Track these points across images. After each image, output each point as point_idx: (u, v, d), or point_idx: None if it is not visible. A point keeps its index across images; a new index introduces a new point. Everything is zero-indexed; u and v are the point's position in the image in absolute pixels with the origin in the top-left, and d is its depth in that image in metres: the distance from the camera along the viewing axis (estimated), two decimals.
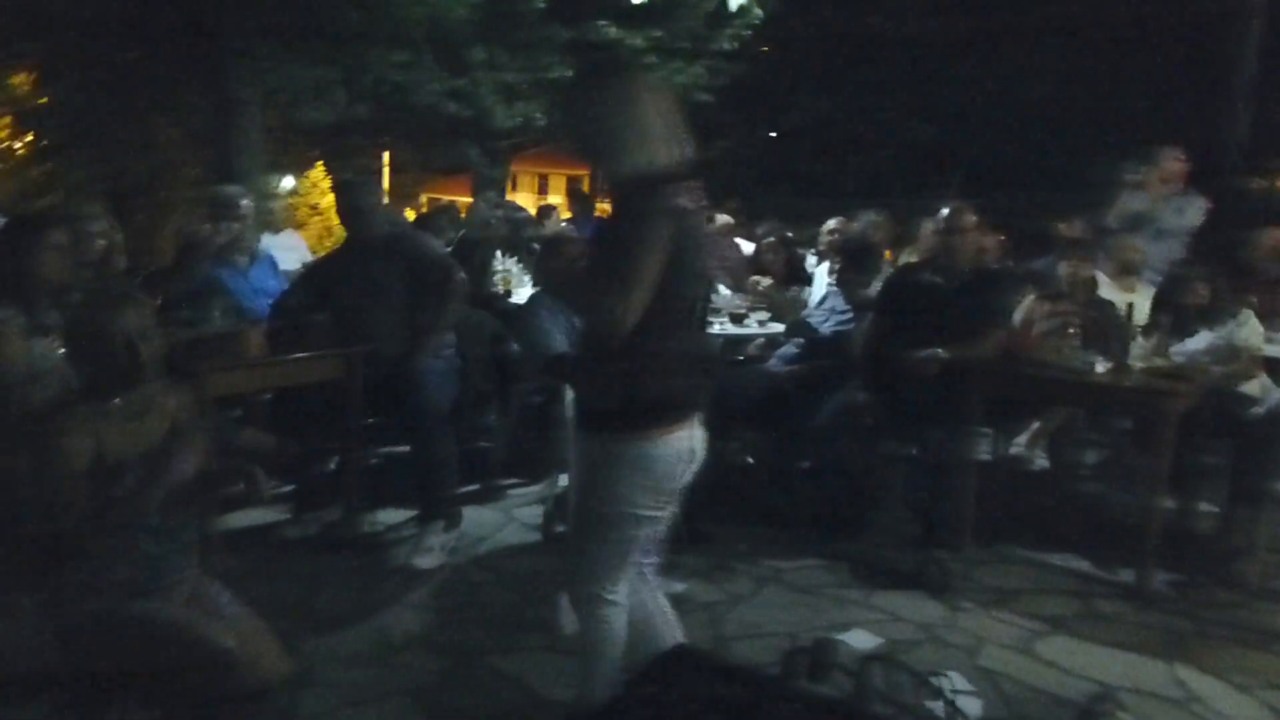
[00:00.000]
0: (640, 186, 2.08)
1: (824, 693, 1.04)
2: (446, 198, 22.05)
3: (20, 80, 11.33)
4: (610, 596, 2.34)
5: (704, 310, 2.47)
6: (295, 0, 7.95)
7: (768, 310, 5.43)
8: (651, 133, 2.10)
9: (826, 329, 4.68)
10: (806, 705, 1.03)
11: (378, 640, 3.27)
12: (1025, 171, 12.43)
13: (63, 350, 3.29)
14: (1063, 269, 4.74)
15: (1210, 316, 4.26)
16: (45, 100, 11.77)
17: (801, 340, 4.74)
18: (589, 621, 2.37)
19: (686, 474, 2.26)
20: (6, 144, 13.55)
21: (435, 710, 2.85)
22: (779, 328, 5.14)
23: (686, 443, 2.23)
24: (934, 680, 1.05)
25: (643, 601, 2.50)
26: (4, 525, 3.41)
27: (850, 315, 4.65)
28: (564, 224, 9.15)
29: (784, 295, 5.56)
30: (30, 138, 13.35)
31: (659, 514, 2.28)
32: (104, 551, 2.46)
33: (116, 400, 2.46)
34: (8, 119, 13.20)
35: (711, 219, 2.19)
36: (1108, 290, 4.85)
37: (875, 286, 4.70)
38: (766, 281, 5.76)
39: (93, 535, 2.41)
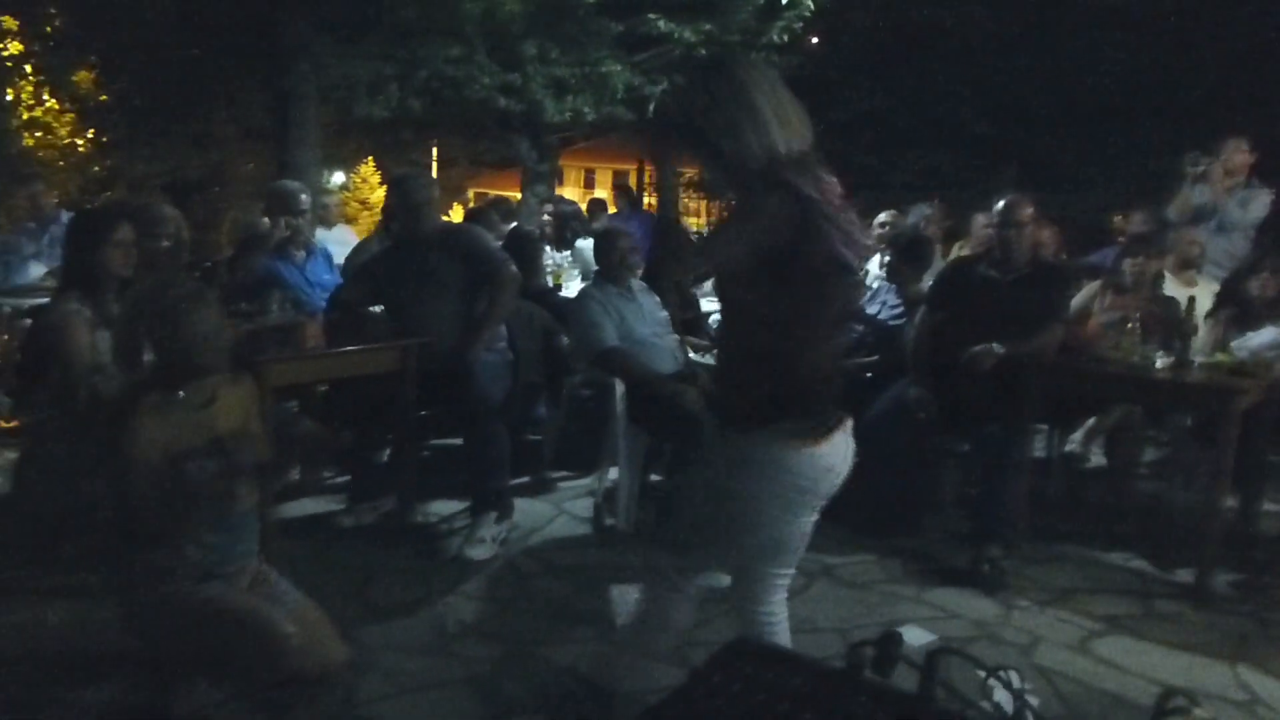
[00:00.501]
0: (756, 173, 2.01)
1: (889, 685, 1.04)
2: (494, 192, 22.21)
3: (83, 78, 11.61)
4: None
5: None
6: None
7: None
8: (768, 119, 2.02)
9: (877, 323, 4.65)
10: (872, 696, 1.03)
11: (432, 629, 3.31)
12: (1084, 164, 12.21)
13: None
14: (1127, 263, 4.66)
15: (1276, 310, 4.16)
16: (106, 98, 12.06)
17: (852, 335, 4.71)
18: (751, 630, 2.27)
19: (833, 480, 2.15)
20: (69, 140, 13.91)
21: (489, 698, 2.88)
22: None
23: (841, 447, 2.13)
24: (1002, 674, 1.04)
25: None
26: (73, 511, 3.53)
27: (901, 309, 4.61)
28: (610, 217, 9.18)
29: None
30: (91, 134, 13.69)
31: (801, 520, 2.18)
32: (172, 538, 2.53)
33: (183, 391, 2.52)
34: (71, 116, 13.54)
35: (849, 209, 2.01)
36: (1169, 284, 4.76)
37: (927, 280, 4.66)
38: None
39: (161, 522, 2.47)
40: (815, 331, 2.07)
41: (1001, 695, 1.05)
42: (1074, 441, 4.50)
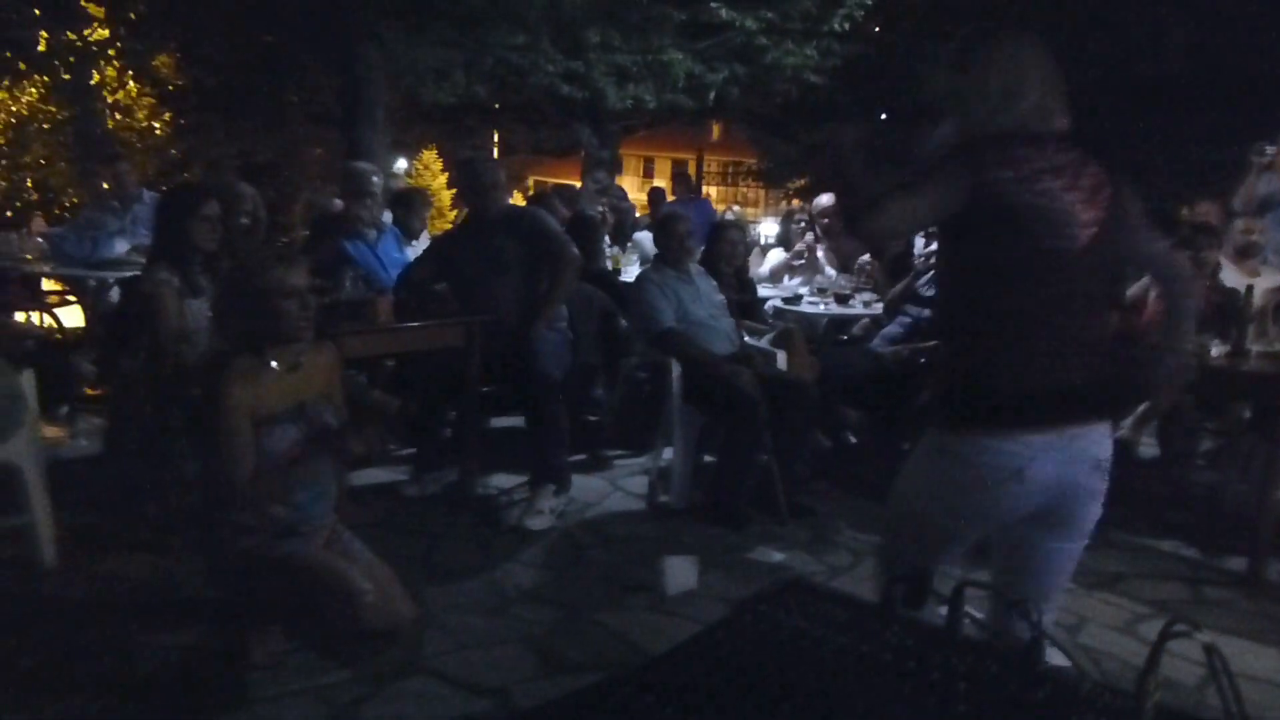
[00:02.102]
0: (966, 140, 1.96)
1: (921, 616, 1.14)
2: (554, 181, 22.37)
3: (161, 63, 12.02)
4: None
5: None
6: None
7: (873, 291, 5.46)
8: (1016, 91, 1.95)
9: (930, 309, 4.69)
10: (904, 626, 1.13)
11: (492, 592, 3.47)
12: (1148, 153, 11.98)
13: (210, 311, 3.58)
14: (1191, 253, 4.63)
15: None
16: (183, 83, 12.46)
17: (906, 320, 4.76)
18: None
19: (1016, 494, 1.93)
20: (147, 124, 14.39)
21: (545, 656, 3.02)
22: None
23: (1019, 454, 1.89)
24: (1023, 607, 1.14)
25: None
26: (158, 471, 3.74)
27: None
28: (669, 204, 9.29)
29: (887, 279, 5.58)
30: (168, 117, 14.15)
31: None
32: (257, 498, 2.69)
33: (272, 357, 2.68)
34: (149, 100, 14.01)
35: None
36: (1231, 274, 4.73)
37: None
38: (866, 257, 5.79)
39: (249, 481, 2.63)
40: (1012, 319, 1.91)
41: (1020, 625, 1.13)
42: (1124, 428, 4.50)
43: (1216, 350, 3.86)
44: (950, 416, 1.97)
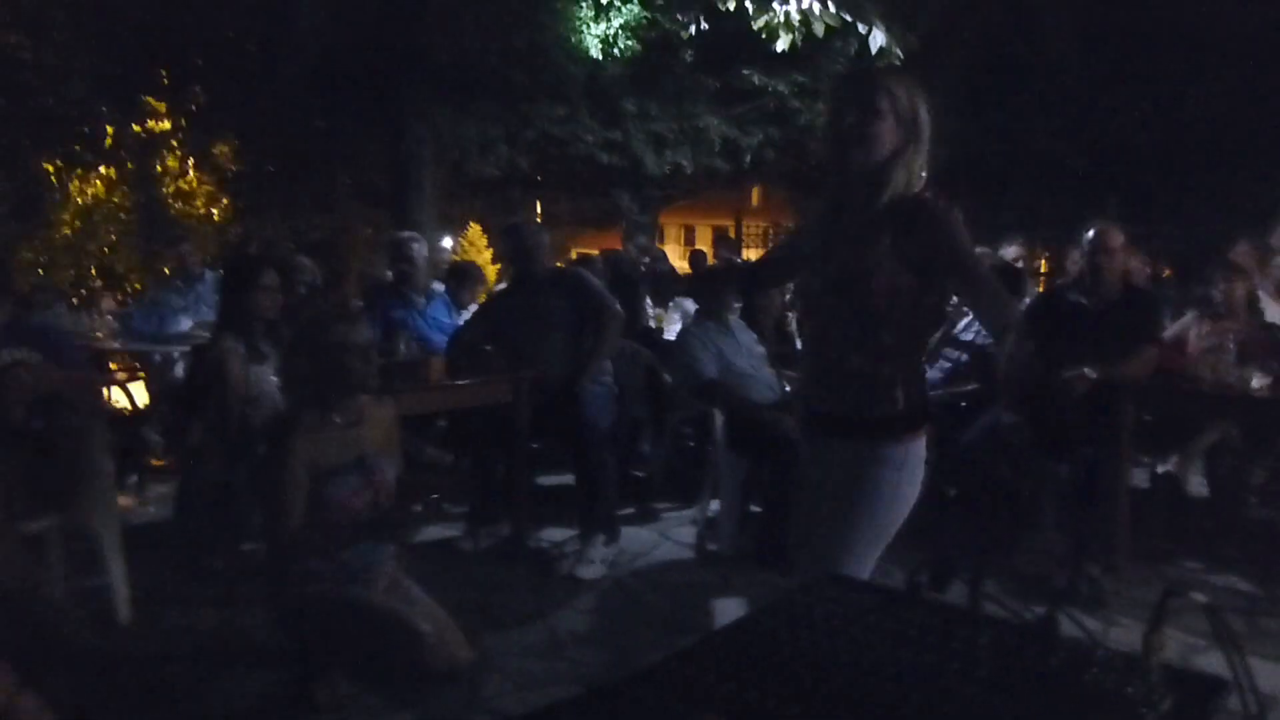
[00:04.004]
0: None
1: (944, 599, 1.24)
2: (595, 252, 22.67)
3: (221, 151, 12.58)
4: None
5: None
6: (468, 63, 8.64)
7: None
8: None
9: (970, 352, 4.76)
10: (929, 609, 1.22)
11: (547, 637, 3.56)
12: (1190, 197, 11.98)
13: (275, 376, 3.77)
14: (1221, 289, 4.68)
15: None
16: (238, 167, 13.01)
17: (946, 364, 4.83)
18: None
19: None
20: (204, 210, 15.00)
21: None
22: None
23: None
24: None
25: None
26: (226, 528, 3.91)
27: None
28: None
29: None
30: (225, 203, 14.74)
31: None
32: (325, 545, 2.82)
33: (335, 411, 2.84)
34: (208, 188, 14.63)
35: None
36: (1270, 308, 4.75)
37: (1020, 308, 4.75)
38: None
39: (315, 531, 2.77)
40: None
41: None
42: (1171, 463, 4.51)
43: (1258, 382, 3.88)
44: (905, 428, 2.18)
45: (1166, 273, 10.71)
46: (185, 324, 6.31)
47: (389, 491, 2.94)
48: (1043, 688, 1.05)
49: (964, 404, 4.63)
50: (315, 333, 2.83)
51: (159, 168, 12.15)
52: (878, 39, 6.44)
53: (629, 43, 9.67)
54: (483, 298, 6.08)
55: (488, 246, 25.81)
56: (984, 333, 4.78)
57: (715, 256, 10.83)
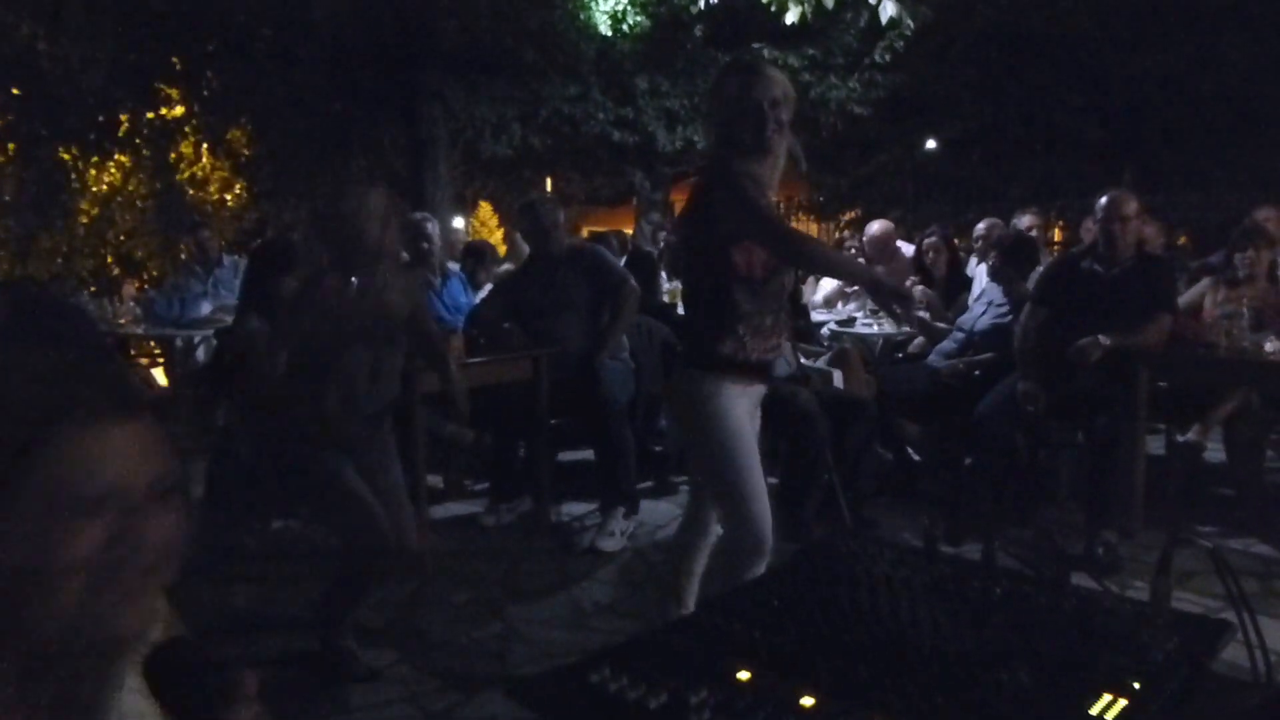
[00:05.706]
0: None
1: (959, 554, 1.29)
2: (609, 229, 22.66)
3: (236, 136, 12.65)
4: None
5: None
6: (481, 44, 8.66)
7: (926, 311, 5.55)
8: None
9: (984, 322, 4.78)
10: (945, 562, 1.27)
11: (571, 607, 3.63)
12: (1207, 166, 11.90)
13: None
14: (1238, 257, 4.67)
15: None
16: (251, 153, 13.07)
17: (960, 335, 4.86)
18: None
19: None
20: (219, 196, 15.08)
21: None
22: (939, 326, 5.26)
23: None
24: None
25: None
26: (256, 507, 3.99)
27: (1008, 308, 4.72)
28: None
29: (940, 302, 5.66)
30: (239, 188, 14.82)
31: None
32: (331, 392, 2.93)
33: (356, 278, 2.91)
34: (222, 174, 14.71)
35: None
36: None
37: (1032, 280, 4.76)
38: (921, 288, 5.88)
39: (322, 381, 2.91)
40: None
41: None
42: (1192, 430, 4.52)
43: (1272, 347, 3.89)
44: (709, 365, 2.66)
45: (1182, 239, 10.67)
46: (206, 308, 6.40)
47: (401, 349, 3.09)
48: (1055, 631, 1.10)
49: (979, 373, 4.65)
50: (331, 214, 2.93)
51: (174, 154, 12.23)
52: (888, 10, 6.42)
53: (639, 19, 9.67)
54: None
55: (499, 226, 25.76)
56: (998, 304, 4.81)
57: None
